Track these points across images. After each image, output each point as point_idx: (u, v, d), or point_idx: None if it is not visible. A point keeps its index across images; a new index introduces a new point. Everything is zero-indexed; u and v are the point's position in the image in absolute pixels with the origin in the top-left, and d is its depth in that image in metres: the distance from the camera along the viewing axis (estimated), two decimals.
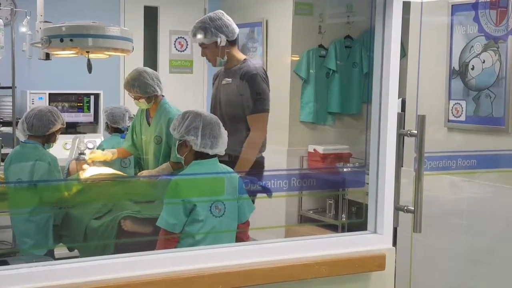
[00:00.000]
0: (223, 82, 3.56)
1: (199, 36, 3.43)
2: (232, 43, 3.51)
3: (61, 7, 4.64)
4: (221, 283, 2.08)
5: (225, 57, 3.47)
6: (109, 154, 4.06)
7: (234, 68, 3.52)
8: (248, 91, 3.42)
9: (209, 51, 3.49)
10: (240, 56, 3.57)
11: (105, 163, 4.08)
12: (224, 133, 2.96)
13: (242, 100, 3.45)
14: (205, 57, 3.56)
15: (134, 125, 4.04)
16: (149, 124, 3.89)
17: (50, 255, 3.49)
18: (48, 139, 3.65)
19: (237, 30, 3.51)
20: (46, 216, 3.56)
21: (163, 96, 3.87)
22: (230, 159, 3.32)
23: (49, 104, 5.58)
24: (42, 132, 3.60)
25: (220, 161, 3.00)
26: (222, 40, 3.42)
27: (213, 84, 3.74)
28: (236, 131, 3.39)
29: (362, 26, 5.94)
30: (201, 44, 3.49)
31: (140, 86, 3.76)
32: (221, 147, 2.94)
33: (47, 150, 3.65)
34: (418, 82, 3.34)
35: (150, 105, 3.82)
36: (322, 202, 5.81)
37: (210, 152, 2.91)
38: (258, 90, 3.43)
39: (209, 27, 3.42)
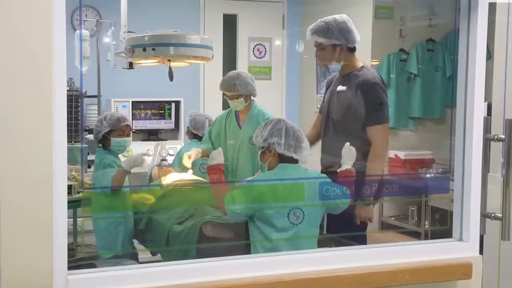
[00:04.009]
0: (338, 89, 3.38)
1: (319, 35, 3.25)
2: (350, 49, 3.32)
3: (143, 17, 4.76)
4: None
5: (341, 63, 3.31)
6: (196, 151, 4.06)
7: (350, 75, 3.34)
8: (367, 101, 3.25)
9: (326, 53, 3.31)
10: (358, 63, 3.36)
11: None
12: (306, 140, 2.96)
13: (358, 109, 3.28)
14: (317, 59, 3.40)
15: (211, 131, 4.08)
16: (239, 127, 3.92)
17: (133, 259, 3.57)
18: (104, 143, 3.75)
19: (358, 38, 3.31)
20: (115, 222, 3.65)
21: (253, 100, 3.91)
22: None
23: (132, 112, 5.74)
24: (96, 139, 3.75)
25: (330, 172, 2.99)
26: (342, 44, 3.26)
27: (326, 90, 3.54)
28: (348, 141, 3.26)
29: (445, 29, 5.81)
30: (319, 45, 3.31)
31: (241, 84, 3.83)
32: (305, 154, 2.93)
33: (115, 154, 3.76)
34: (506, 85, 3.23)
35: (245, 105, 3.86)
36: (404, 208, 5.71)
37: (294, 156, 2.91)
38: (379, 100, 3.26)
39: (332, 28, 3.24)
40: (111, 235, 3.66)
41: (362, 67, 3.36)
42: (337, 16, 3.29)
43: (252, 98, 3.91)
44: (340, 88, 3.37)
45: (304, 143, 2.93)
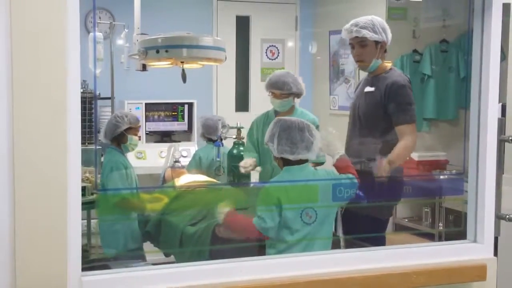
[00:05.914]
0: (366, 89, 3.41)
1: (367, 30, 3.26)
2: (385, 50, 3.38)
3: (156, 19, 4.76)
4: None
5: (379, 60, 3.32)
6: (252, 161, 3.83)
7: (379, 76, 3.37)
8: (396, 102, 3.28)
9: (368, 49, 3.31)
10: (387, 64, 3.41)
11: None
12: (309, 137, 2.84)
13: (385, 110, 3.30)
14: (355, 59, 3.40)
15: (254, 139, 3.91)
16: None
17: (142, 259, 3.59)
18: (119, 140, 3.77)
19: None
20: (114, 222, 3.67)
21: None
22: (363, 167, 3.28)
23: (145, 113, 5.76)
24: (111, 136, 3.77)
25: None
26: (383, 42, 3.29)
27: (355, 91, 3.60)
28: (374, 140, 3.33)
29: (459, 30, 5.77)
30: (361, 42, 3.31)
31: (294, 82, 3.76)
32: (306, 153, 2.84)
33: (125, 152, 3.80)
34: None
35: (290, 106, 3.80)
36: (417, 210, 5.68)
37: (292, 157, 2.83)
38: (409, 100, 3.32)
39: (376, 24, 3.28)
40: (112, 235, 3.69)
41: (391, 68, 3.40)
42: (373, 16, 3.34)
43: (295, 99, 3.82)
44: (368, 89, 3.39)
45: (304, 142, 2.82)
